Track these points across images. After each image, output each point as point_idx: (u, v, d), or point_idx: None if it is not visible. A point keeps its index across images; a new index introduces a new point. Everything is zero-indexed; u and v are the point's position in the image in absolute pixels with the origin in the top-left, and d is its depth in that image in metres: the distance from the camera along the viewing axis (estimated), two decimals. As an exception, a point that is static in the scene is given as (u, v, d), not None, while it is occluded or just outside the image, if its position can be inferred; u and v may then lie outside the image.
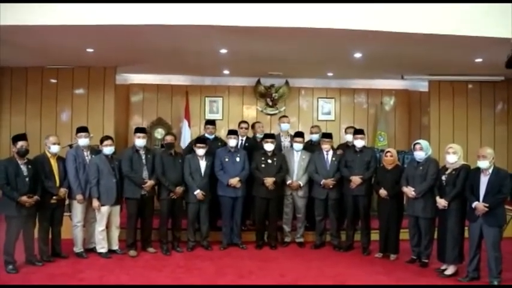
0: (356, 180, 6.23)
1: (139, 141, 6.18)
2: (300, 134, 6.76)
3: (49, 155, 5.75)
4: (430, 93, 10.24)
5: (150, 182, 6.11)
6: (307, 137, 7.08)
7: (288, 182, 6.58)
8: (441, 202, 5.35)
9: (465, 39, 6.37)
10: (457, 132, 10.04)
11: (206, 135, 6.99)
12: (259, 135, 7.26)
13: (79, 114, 9.34)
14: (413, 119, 11.00)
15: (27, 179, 5.37)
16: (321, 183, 6.39)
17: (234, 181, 6.32)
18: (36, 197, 5.39)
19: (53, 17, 5.88)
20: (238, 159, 6.47)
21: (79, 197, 5.85)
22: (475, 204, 5.00)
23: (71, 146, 6.75)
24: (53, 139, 5.81)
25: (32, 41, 7.00)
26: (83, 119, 9.03)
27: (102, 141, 6.08)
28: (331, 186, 6.39)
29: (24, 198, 5.29)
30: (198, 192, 6.24)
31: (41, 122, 9.34)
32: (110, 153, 6.02)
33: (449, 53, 7.51)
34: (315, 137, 7.10)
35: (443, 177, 5.40)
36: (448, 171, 5.39)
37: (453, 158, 5.37)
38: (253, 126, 7.54)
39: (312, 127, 7.43)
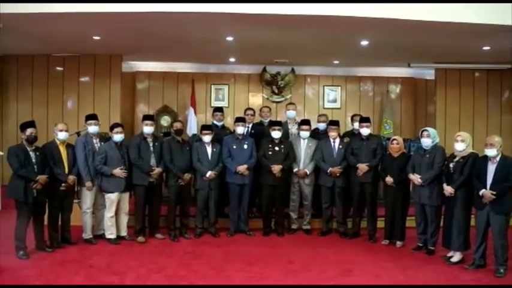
0: (363, 167, 6.25)
1: (148, 129, 6.20)
2: (306, 122, 6.77)
3: (58, 142, 5.79)
4: (437, 81, 10.23)
5: (157, 170, 6.14)
6: (313, 125, 7.08)
7: (295, 170, 6.61)
8: (448, 189, 5.37)
9: (473, 27, 6.36)
10: (463, 121, 10.03)
11: (215, 122, 7.04)
12: (265, 120, 7.28)
13: (85, 102, 9.40)
14: (419, 107, 10.98)
15: (35, 166, 5.41)
16: (328, 171, 6.42)
17: (242, 168, 6.35)
18: (45, 176, 5.41)
19: (59, 5, 5.89)
20: (245, 146, 6.49)
21: (88, 184, 5.89)
22: (482, 191, 5.02)
23: (78, 133, 6.78)
24: (61, 126, 5.85)
25: (38, 29, 7.02)
26: (89, 106, 9.07)
27: (112, 128, 6.11)
28: (337, 175, 6.42)
29: (42, 177, 5.35)
30: (210, 173, 6.28)
31: (48, 110, 9.41)
32: (120, 141, 6.06)
33: (457, 41, 7.48)
34: (322, 125, 7.08)
35: (451, 165, 5.41)
36: (456, 159, 5.40)
37: (461, 146, 5.38)
38: (260, 110, 7.54)
39: (320, 115, 7.41)
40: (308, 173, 6.59)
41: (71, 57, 9.41)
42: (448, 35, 7.02)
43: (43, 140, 5.95)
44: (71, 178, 5.76)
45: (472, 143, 5.45)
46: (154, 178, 6.15)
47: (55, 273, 4.89)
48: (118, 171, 5.93)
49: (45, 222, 5.76)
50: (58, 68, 9.52)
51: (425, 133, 5.77)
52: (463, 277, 4.98)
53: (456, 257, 5.42)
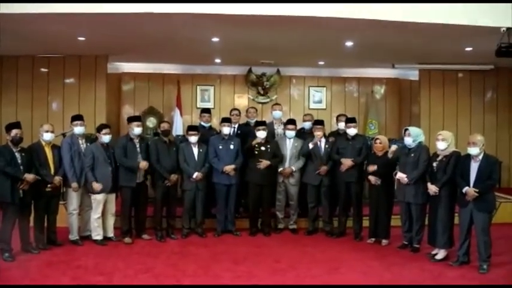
0: (347, 162, 6.29)
1: (137, 130, 6.20)
2: (292, 122, 6.82)
3: (43, 143, 5.76)
4: (421, 82, 10.35)
5: (144, 163, 6.11)
6: (299, 125, 7.13)
7: (280, 169, 6.65)
8: (432, 188, 5.44)
9: (456, 28, 6.44)
10: (447, 120, 10.16)
11: (202, 123, 7.07)
12: (251, 120, 7.34)
13: (70, 103, 9.32)
14: (404, 107, 11.09)
15: (21, 167, 5.38)
16: (317, 172, 6.45)
17: (229, 168, 6.37)
18: (33, 175, 5.39)
19: (44, 5, 5.85)
20: (232, 146, 6.51)
21: (74, 185, 5.86)
22: (465, 189, 5.10)
23: (64, 134, 6.74)
24: (46, 127, 5.82)
25: (23, 30, 6.95)
26: (74, 108, 9.00)
27: (100, 129, 6.11)
28: (322, 168, 6.45)
29: (29, 175, 5.33)
30: (197, 174, 6.29)
31: (32, 112, 9.30)
32: (108, 141, 6.05)
33: (440, 42, 7.58)
34: (307, 124, 7.14)
35: (434, 164, 5.49)
36: (439, 158, 5.48)
37: (442, 144, 5.46)
38: (246, 111, 7.61)
39: (305, 115, 7.49)
40: (294, 169, 6.62)
41: (55, 58, 9.34)
42: (432, 35, 7.11)
43: (28, 143, 5.91)
44: (57, 179, 5.73)
45: (455, 142, 5.53)
46: (142, 175, 6.17)
47: (42, 274, 4.88)
48: (96, 185, 5.90)
49: (31, 223, 5.71)
50: (43, 69, 9.43)
51: (407, 132, 5.85)
52: (448, 274, 5.05)
53: (441, 254, 5.50)
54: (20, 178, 5.29)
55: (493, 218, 5.28)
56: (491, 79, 10.37)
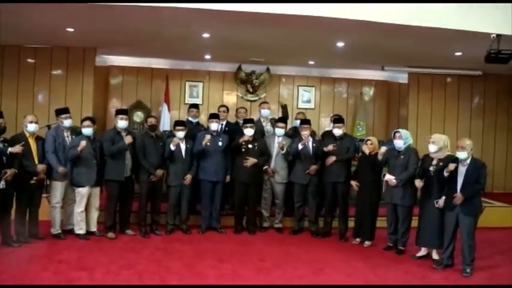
0: (330, 159, 6.30)
1: (122, 123, 6.14)
2: (283, 120, 6.82)
3: (27, 134, 5.65)
4: (410, 85, 10.40)
5: (129, 137, 6.06)
6: (291, 123, 7.09)
7: (264, 167, 6.63)
8: (441, 203, 5.33)
9: (446, 32, 6.45)
10: (434, 124, 10.22)
11: (190, 118, 7.02)
12: (240, 120, 7.27)
13: (57, 95, 9.18)
14: (392, 109, 11.14)
15: (4, 157, 5.27)
16: (307, 171, 6.43)
17: (206, 139, 6.32)
18: (13, 169, 5.28)
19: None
20: (220, 143, 6.48)
21: (61, 169, 5.74)
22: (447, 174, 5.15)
23: (49, 126, 6.65)
24: (30, 118, 5.72)
25: (9, 19, 6.80)
26: (61, 100, 8.87)
27: (82, 122, 6.01)
28: (312, 168, 6.44)
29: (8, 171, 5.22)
30: (188, 177, 6.31)
31: (18, 103, 9.12)
32: (89, 134, 5.95)
33: (430, 46, 7.60)
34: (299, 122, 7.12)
35: (431, 169, 5.45)
36: (434, 162, 5.46)
37: (432, 147, 5.48)
38: (236, 111, 7.57)
39: (298, 113, 7.50)
40: (276, 170, 6.60)
41: (43, 49, 9.20)
42: (422, 39, 7.12)
43: (12, 135, 5.80)
44: (40, 167, 5.61)
45: (448, 145, 5.53)
46: (130, 169, 6.11)
47: (22, 268, 4.78)
48: (83, 143, 5.75)
49: (12, 216, 5.61)
50: (29, 60, 9.28)
51: (397, 134, 5.85)
52: (432, 276, 5.08)
53: (434, 255, 5.57)
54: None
55: (478, 221, 5.30)
56: (479, 85, 10.47)
